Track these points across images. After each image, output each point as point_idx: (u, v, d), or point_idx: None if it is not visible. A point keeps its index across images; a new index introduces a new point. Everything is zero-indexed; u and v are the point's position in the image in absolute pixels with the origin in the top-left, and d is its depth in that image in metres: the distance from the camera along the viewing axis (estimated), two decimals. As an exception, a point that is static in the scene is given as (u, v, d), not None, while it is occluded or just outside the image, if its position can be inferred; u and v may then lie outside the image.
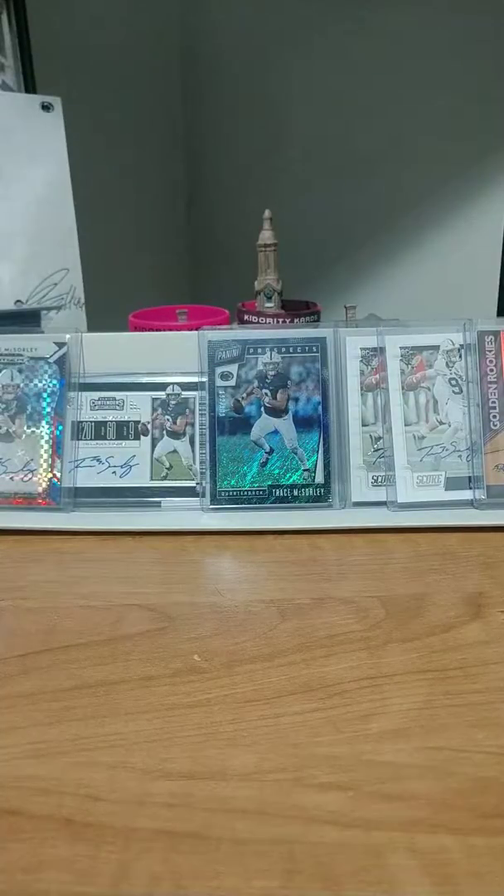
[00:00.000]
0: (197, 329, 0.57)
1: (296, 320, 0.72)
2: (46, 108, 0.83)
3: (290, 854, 0.27)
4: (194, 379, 0.57)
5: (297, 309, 0.77)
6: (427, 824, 0.28)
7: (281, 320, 0.73)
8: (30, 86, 0.88)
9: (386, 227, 0.98)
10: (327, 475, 0.55)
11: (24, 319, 0.77)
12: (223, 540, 0.52)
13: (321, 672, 0.37)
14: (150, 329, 0.69)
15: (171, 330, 0.68)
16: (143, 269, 1.33)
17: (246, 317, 0.75)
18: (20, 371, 0.57)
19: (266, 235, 0.73)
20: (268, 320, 0.73)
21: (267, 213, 0.72)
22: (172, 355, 0.57)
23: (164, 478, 0.56)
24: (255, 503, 0.55)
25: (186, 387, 0.57)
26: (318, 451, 0.55)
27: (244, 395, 0.56)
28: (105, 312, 0.78)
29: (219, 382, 0.56)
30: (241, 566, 0.49)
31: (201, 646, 0.40)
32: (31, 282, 0.84)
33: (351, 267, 1.05)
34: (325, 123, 1.05)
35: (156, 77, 1.29)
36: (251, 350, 0.57)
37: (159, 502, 0.55)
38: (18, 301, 0.83)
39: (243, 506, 0.55)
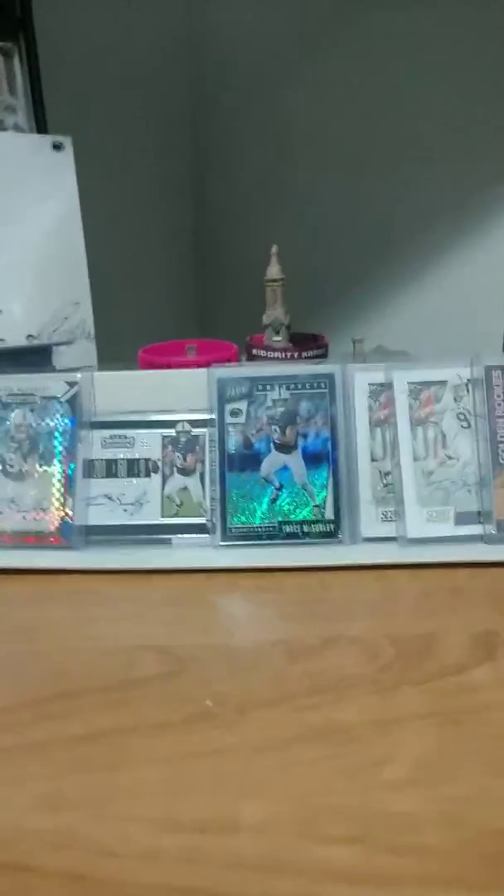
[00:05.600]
0: (206, 363, 0.58)
1: (304, 355, 0.73)
2: (57, 147, 0.85)
3: (302, 912, 0.27)
4: (204, 416, 0.57)
5: (305, 342, 0.77)
6: (440, 878, 0.28)
7: (289, 354, 0.73)
8: (41, 125, 0.90)
9: (393, 258, 0.99)
10: (337, 511, 0.55)
11: (35, 355, 0.78)
12: (234, 578, 0.52)
13: (332, 717, 0.37)
14: (160, 364, 0.70)
15: (180, 366, 0.69)
16: (151, 300, 1.34)
17: (254, 351, 0.75)
18: (32, 410, 0.58)
19: (273, 271, 0.74)
20: (276, 354, 0.74)
21: (274, 249, 0.73)
22: (182, 393, 0.58)
23: (175, 515, 0.56)
24: (266, 539, 0.55)
25: (196, 424, 0.58)
26: (327, 487, 0.56)
27: (254, 431, 0.57)
28: (114, 343, 0.79)
29: (228, 419, 0.57)
30: (251, 605, 0.49)
31: (213, 690, 0.40)
32: (43, 316, 0.85)
33: (359, 296, 1.05)
34: (332, 157, 1.06)
35: (164, 111, 1.32)
36: (260, 387, 0.57)
37: (170, 539, 0.56)
38: (30, 336, 0.84)
39: (254, 542, 0.55)
